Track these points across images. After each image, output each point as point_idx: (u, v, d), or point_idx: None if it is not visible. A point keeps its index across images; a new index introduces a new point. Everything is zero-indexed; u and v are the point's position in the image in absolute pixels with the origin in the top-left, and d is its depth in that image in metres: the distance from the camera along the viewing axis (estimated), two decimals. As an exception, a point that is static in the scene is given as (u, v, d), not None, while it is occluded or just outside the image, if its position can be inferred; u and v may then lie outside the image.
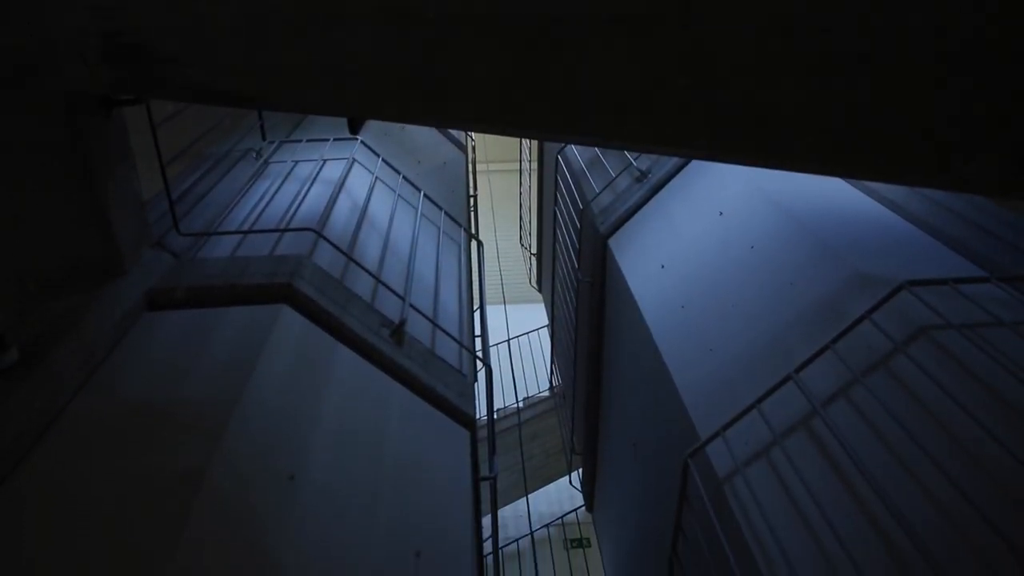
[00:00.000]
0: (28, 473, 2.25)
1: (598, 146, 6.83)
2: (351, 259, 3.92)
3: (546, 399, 10.20)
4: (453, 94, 2.09)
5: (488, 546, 6.28)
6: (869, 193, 4.18)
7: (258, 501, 2.35)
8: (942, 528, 2.49)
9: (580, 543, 11.03)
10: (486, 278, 6.14)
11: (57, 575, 1.93)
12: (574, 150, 7.36)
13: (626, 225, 5.97)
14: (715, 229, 4.85)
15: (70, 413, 2.52)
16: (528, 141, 11.75)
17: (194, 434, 2.43)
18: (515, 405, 9.93)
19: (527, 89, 1.96)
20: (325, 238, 3.87)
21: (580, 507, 9.55)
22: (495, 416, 5.66)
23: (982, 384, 2.74)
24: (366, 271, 3.96)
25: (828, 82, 1.66)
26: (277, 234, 3.93)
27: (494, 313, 12.12)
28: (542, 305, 12.76)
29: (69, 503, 2.16)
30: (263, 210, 4.38)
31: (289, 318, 3.17)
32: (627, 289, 5.34)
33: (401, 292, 4.12)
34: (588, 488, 8.30)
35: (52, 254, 2.94)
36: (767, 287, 4.05)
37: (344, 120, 5.05)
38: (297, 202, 4.49)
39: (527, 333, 12.00)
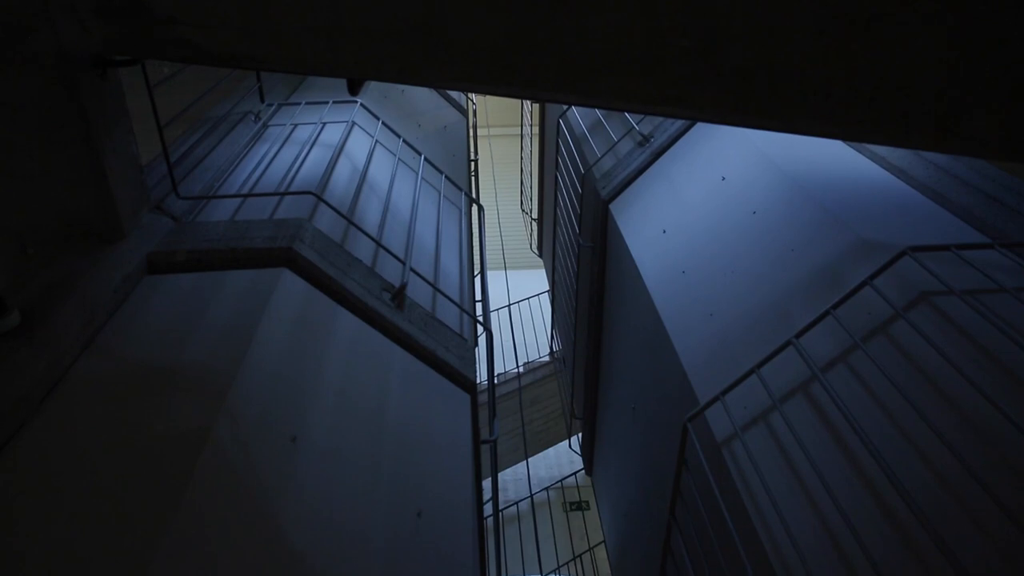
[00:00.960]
0: (32, 436, 2.27)
1: (600, 108, 6.77)
2: (351, 223, 3.90)
3: (546, 364, 10.25)
4: (454, 53, 2.06)
5: (489, 508, 6.36)
6: (873, 159, 4.15)
7: (260, 463, 2.37)
8: (939, 494, 2.51)
9: (579, 506, 11.18)
10: (487, 243, 6.13)
11: (61, 536, 1.96)
12: (576, 114, 7.29)
13: (628, 190, 5.94)
14: (717, 194, 4.83)
15: (73, 376, 2.53)
16: (530, 105, 11.64)
17: (197, 397, 2.44)
18: (515, 370, 9.98)
19: (529, 48, 1.94)
20: (325, 202, 3.86)
21: (579, 471, 9.66)
22: (496, 380, 5.69)
23: (982, 350, 2.74)
24: (367, 235, 3.95)
25: (833, 42, 1.64)
26: (277, 198, 3.91)
27: (495, 278, 12.13)
28: (543, 271, 12.77)
29: (73, 465, 2.18)
30: (262, 173, 4.35)
31: (290, 282, 3.17)
32: (628, 254, 5.33)
33: (402, 256, 4.12)
34: (587, 452, 8.38)
35: (51, 217, 2.92)
36: (768, 252, 4.04)
37: (343, 82, 4.99)
38: (296, 165, 4.46)
39: (528, 299, 12.01)
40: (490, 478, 5.01)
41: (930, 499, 2.50)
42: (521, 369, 10.04)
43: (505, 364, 10.08)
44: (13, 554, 1.90)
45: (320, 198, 3.83)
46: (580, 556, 9.48)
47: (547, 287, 11.09)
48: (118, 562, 1.88)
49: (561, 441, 10.70)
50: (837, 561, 2.67)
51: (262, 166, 4.47)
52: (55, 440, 2.27)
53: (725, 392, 3.42)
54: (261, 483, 2.32)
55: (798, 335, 3.25)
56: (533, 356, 10.78)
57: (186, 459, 2.18)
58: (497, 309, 11.29)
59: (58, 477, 2.14)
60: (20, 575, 1.85)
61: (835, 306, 3.19)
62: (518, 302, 11.85)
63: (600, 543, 8.42)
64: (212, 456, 2.23)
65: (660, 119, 5.99)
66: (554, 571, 9.29)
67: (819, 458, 2.94)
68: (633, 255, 5.25)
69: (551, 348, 10.37)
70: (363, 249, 3.95)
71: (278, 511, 2.30)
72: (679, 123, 5.69)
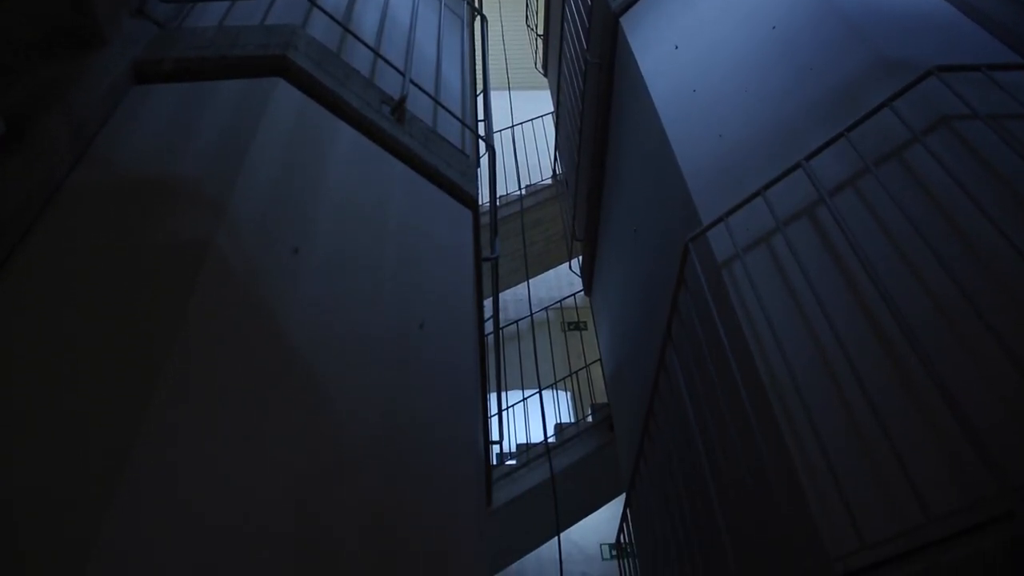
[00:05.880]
0: (34, 246, 2.26)
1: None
2: (347, 30, 3.68)
3: (549, 187, 10.17)
4: None
5: (489, 326, 6.56)
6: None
7: (263, 274, 2.38)
8: (938, 325, 2.52)
9: (577, 326, 11.56)
10: (490, 61, 5.83)
11: (69, 348, 1.99)
12: (588, -86, 6.70)
13: (640, 2, 5.58)
14: (735, 7, 4.54)
15: (69, 187, 2.48)
16: (538, -96, 10.71)
17: (196, 208, 2.41)
18: (518, 193, 9.92)
19: None
20: (319, 6, 3.62)
21: (579, 292, 9.86)
22: (498, 202, 5.65)
23: (1000, 179, 2.66)
24: (364, 44, 3.74)
25: None
26: (267, 2, 3.67)
27: (498, 98, 11.74)
28: (547, 92, 12.34)
29: (78, 275, 2.19)
30: (250, -24, 4.05)
31: (285, 92, 3.04)
32: (637, 71, 5.10)
33: (401, 67, 3.92)
34: (587, 274, 8.50)
35: (22, 24, 2.74)
36: (786, 71, 3.85)
37: None
38: (286, -33, 4.14)
39: (531, 120, 11.71)
40: (491, 296, 5.10)
41: (931, 333, 2.51)
42: (523, 192, 9.98)
43: (507, 187, 9.99)
44: (18, 368, 1.94)
45: (313, 2, 3.59)
46: (576, 373, 9.92)
47: (551, 109, 10.76)
48: (127, 370, 1.93)
49: (561, 263, 10.84)
50: (830, 386, 2.75)
51: (249, -33, 4.15)
52: (58, 251, 2.26)
53: (729, 213, 3.38)
54: (265, 293, 2.34)
55: (808, 157, 3.15)
56: (536, 179, 10.68)
57: (190, 268, 2.19)
58: (500, 130, 11.02)
59: (64, 288, 2.15)
60: (26, 390, 1.89)
61: (850, 128, 3.06)
62: (521, 123, 11.57)
63: (596, 361, 8.76)
64: (215, 265, 2.23)
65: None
66: (551, 386, 9.75)
67: (820, 283, 2.94)
68: (642, 72, 5.02)
69: (554, 171, 10.23)
70: (360, 59, 3.75)
71: (282, 321, 2.33)
72: (700, -76, 5.24)
